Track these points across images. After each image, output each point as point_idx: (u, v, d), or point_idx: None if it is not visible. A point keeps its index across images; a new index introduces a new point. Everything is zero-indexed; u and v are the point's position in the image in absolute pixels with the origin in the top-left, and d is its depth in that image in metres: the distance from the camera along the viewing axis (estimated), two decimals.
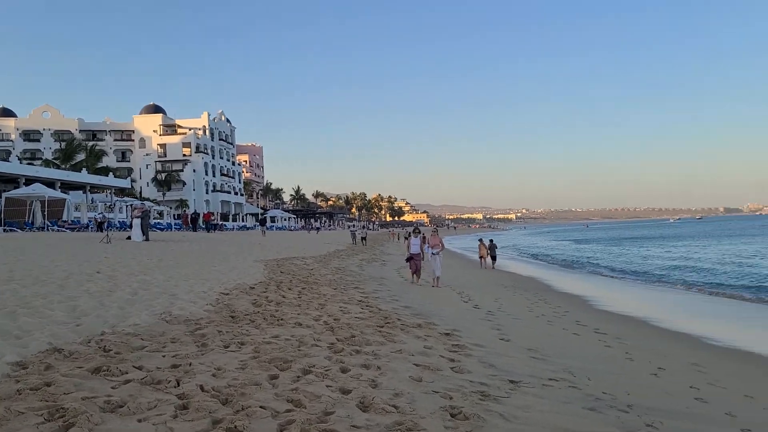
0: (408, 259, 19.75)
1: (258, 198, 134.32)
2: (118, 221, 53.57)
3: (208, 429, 4.41)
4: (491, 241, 35.68)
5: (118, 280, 12.46)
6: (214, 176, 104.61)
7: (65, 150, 68.64)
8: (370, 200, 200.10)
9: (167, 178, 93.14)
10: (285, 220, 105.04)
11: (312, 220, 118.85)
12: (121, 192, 71.80)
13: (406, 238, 22.79)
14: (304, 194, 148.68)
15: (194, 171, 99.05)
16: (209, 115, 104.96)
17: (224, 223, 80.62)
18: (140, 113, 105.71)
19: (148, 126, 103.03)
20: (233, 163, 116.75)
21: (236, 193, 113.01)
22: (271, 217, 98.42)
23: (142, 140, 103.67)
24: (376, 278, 20.38)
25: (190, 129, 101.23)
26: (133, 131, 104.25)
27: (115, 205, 61.46)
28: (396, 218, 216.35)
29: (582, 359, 8.82)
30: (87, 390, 5.09)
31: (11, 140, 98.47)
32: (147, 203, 58.34)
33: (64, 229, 43.40)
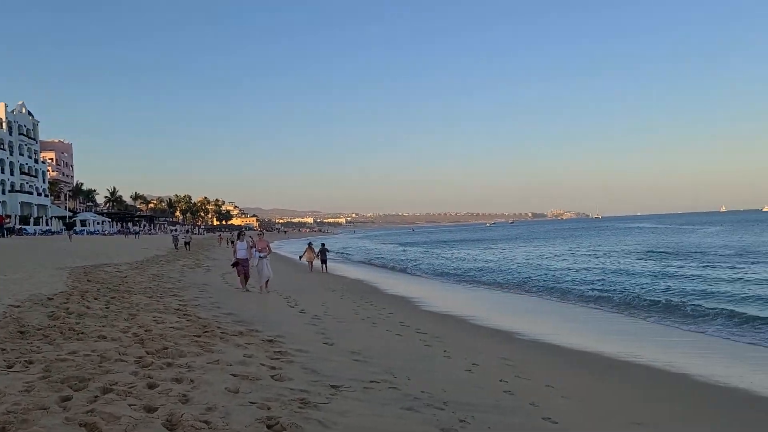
0: (234, 265, 18.92)
1: (67, 200, 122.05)
2: None
3: None
4: (323, 245, 35.78)
5: None
6: (12, 175, 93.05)
7: None
8: (195, 203, 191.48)
9: None
10: (98, 223, 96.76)
11: (130, 224, 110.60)
12: None
13: (232, 243, 21.84)
14: (120, 196, 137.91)
15: None
16: (6, 106, 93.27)
17: (24, 227, 71.93)
18: None
19: None
20: (36, 161, 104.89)
21: (40, 194, 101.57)
22: (81, 220, 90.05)
23: None
24: (198, 285, 19.35)
25: None
26: None
27: None
28: (224, 222, 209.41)
29: (403, 359, 8.99)
30: None
31: None
32: None
33: None
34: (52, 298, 12.31)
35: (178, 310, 12.20)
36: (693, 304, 17.96)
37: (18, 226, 68.05)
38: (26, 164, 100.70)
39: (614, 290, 22.31)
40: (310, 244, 36.64)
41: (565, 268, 33.82)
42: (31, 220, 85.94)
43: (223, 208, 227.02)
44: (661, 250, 45.71)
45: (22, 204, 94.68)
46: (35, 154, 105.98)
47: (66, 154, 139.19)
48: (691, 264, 32.28)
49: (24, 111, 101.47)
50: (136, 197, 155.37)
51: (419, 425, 5.56)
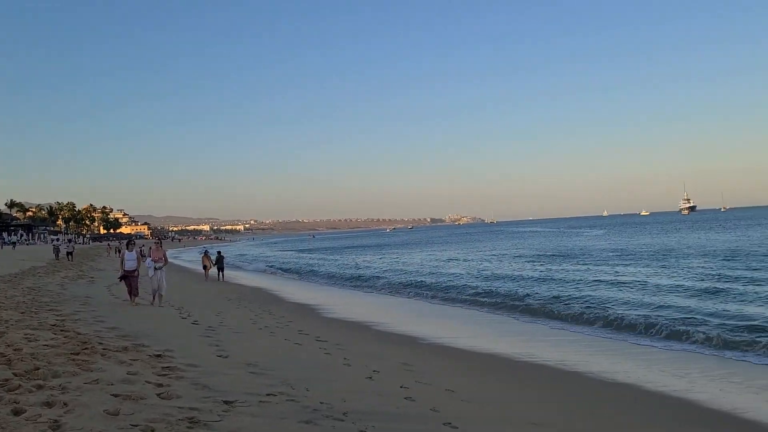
0: (122, 278, 17.51)
1: None
2: None
3: None
4: (219, 252, 34.71)
5: None
6: None
7: None
8: (80, 211, 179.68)
9: None
10: None
11: (5, 234, 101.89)
12: None
13: (118, 252, 20.15)
14: None
15: None
16: None
17: None
18: None
19: None
20: None
21: None
22: None
23: None
24: (81, 298, 17.97)
25: None
26: None
27: None
28: (112, 231, 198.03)
29: (302, 369, 8.69)
30: None
31: None
32: None
33: None
34: None
35: (54, 325, 11.18)
36: (580, 306, 18.89)
37: None
38: None
39: (505, 293, 23.06)
40: (206, 252, 35.44)
41: (457, 272, 34.71)
42: None
43: (111, 215, 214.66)
44: (551, 253, 48.08)
45: None
46: None
47: None
48: (577, 265, 34.14)
49: None
50: (12, 205, 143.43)
51: None
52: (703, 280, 23.46)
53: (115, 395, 6.15)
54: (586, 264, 34.96)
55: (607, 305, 18.40)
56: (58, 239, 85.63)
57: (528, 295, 21.80)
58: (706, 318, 15.23)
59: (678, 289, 21.42)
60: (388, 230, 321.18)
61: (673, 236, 64.43)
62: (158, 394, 6.40)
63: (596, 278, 26.55)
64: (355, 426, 5.76)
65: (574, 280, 26.19)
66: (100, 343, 9.39)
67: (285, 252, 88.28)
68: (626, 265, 32.75)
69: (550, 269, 32.89)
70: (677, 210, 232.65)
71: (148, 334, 11.06)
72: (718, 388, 9.38)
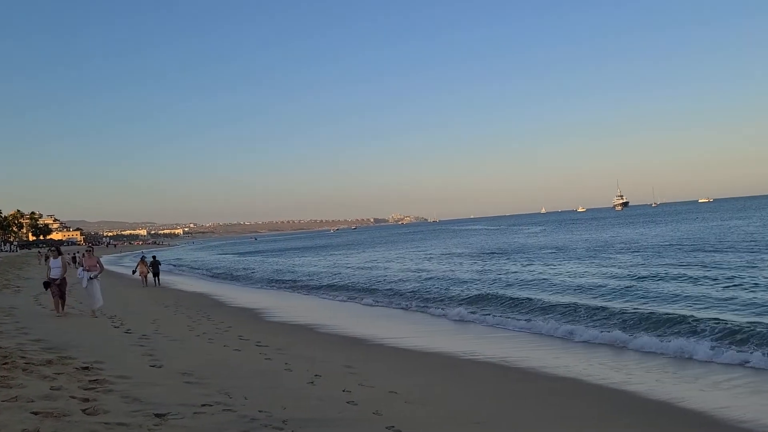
0: (46, 285, 16.54)
1: None
2: None
3: None
4: (154, 257, 33.69)
5: None
6: None
7: None
8: (6, 217, 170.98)
9: None
10: None
11: None
12: None
13: (47, 260, 18.86)
14: None
15: None
16: None
17: None
18: None
19: None
20: None
21: None
22: None
23: None
24: (4, 309, 16.92)
25: None
26: None
27: None
28: (42, 237, 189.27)
29: (240, 377, 8.38)
30: None
31: None
32: None
33: None
34: None
35: None
36: (522, 302, 19.18)
37: None
38: None
39: (437, 294, 23.21)
40: (142, 258, 34.31)
41: (395, 272, 34.79)
42: None
43: (40, 221, 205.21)
44: (491, 251, 48.81)
45: None
46: None
47: None
48: (515, 262, 34.77)
49: None
50: None
51: None
52: (627, 275, 24.26)
53: (36, 413, 5.72)
54: (525, 261, 35.62)
55: (543, 302, 18.74)
56: None
57: (459, 294, 21.99)
58: (629, 311, 15.70)
59: (602, 283, 22.07)
60: (331, 231, 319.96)
61: (607, 232, 66.66)
62: (83, 410, 6.00)
63: (533, 275, 27.07)
64: None
65: (516, 278, 26.61)
66: (22, 357, 8.79)
67: (225, 255, 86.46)
68: (561, 261, 33.55)
69: (487, 266, 33.32)
70: (611, 206, 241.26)
71: (75, 345, 10.47)
72: (654, 378, 9.63)
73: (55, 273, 15.92)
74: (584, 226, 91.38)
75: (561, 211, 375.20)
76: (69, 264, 17.31)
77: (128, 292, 27.92)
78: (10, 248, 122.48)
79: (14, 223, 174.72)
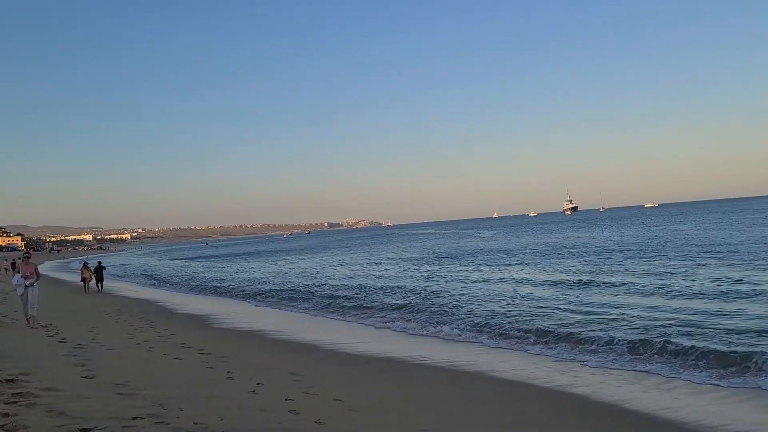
0: None
1: None
2: None
3: None
4: (99, 263, 32.62)
5: None
6: None
7: None
8: None
9: None
10: None
11: None
12: None
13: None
14: None
15: None
16: None
17: None
18: None
19: None
20: None
21: None
22: None
23: None
24: None
25: None
26: None
27: None
28: None
29: (178, 386, 8.01)
30: None
31: None
32: None
33: None
34: None
35: None
36: (467, 308, 19.25)
37: None
38: None
39: (388, 299, 23.14)
40: (84, 263, 33.18)
41: (345, 277, 34.60)
42: None
43: None
44: (441, 255, 49.07)
45: None
46: None
47: None
48: (464, 266, 35.02)
49: None
50: None
51: None
52: (572, 277, 24.71)
53: None
54: (473, 264, 35.92)
55: (494, 307, 18.84)
56: None
57: (408, 302, 21.95)
58: (579, 315, 15.93)
59: (549, 285, 22.41)
60: (285, 236, 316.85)
61: (556, 236, 68.00)
62: (1, 426, 5.58)
63: (484, 278, 27.29)
64: None
65: (466, 280, 26.76)
66: None
67: (174, 261, 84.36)
68: (509, 264, 33.94)
69: (435, 271, 33.44)
70: (561, 210, 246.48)
71: (3, 355, 9.87)
72: (599, 381, 9.71)
73: None
74: (534, 230, 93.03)
75: (513, 216, 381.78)
76: (8, 270, 16.44)
77: (69, 299, 26.83)
78: None
79: None
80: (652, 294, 18.56)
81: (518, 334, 14.02)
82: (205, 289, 34.59)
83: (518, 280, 25.58)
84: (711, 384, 9.23)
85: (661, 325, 13.45)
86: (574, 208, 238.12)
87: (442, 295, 22.23)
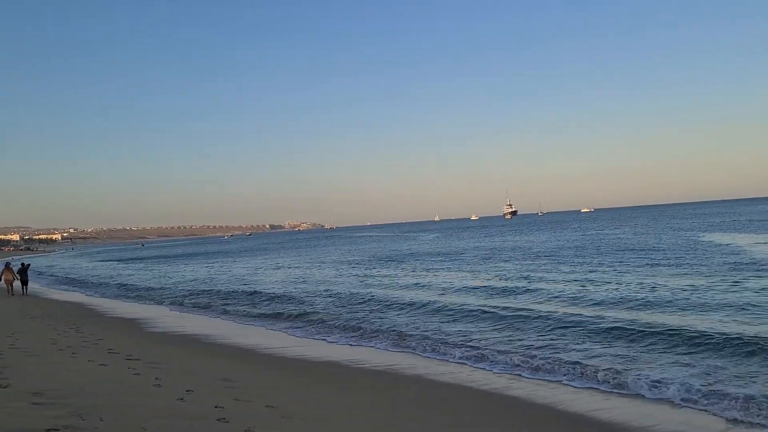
0: None
1: None
2: None
3: None
4: (22, 264, 31.06)
5: None
6: None
7: None
8: None
9: None
10: None
11: None
12: None
13: None
14: None
15: None
16: None
17: None
18: None
19: None
20: None
21: None
22: None
23: None
24: None
25: None
26: None
27: None
28: None
29: (101, 395, 7.59)
30: None
31: None
32: None
33: None
34: None
35: None
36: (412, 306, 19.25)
37: None
38: None
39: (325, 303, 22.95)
40: (7, 265, 31.53)
41: (282, 278, 34.18)
42: None
43: None
44: (383, 257, 49.11)
45: None
46: None
47: None
48: (404, 269, 35.15)
49: None
50: None
51: None
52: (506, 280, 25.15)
53: None
54: (413, 268, 36.09)
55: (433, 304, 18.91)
56: None
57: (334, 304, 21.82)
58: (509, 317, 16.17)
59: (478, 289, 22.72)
60: (225, 237, 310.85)
61: (497, 239, 69.27)
62: None
63: (418, 283, 27.43)
64: None
65: (400, 285, 26.81)
66: None
67: (106, 262, 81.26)
68: (450, 269, 34.29)
69: (376, 273, 33.44)
70: (502, 214, 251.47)
71: None
72: (534, 384, 9.82)
73: None
74: (476, 234, 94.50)
75: (455, 219, 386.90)
76: None
77: None
78: None
79: None
80: (574, 298, 18.81)
81: (451, 340, 14.07)
82: (137, 290, 33.36)
83: (447, 284, 25.76)
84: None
85: (561, 329, 13.83)
86: (514, 213, 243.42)
87: (374, 300, 22.14)
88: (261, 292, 27.10)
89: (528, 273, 27.24)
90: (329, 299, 22.98)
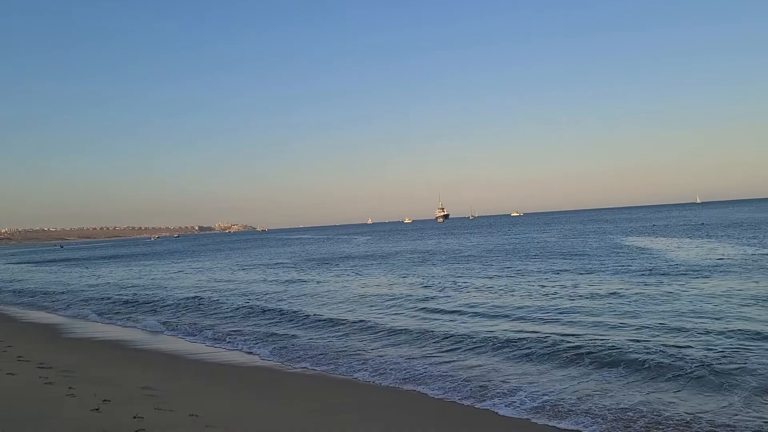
0: None
1: None
2: None
3: None
4: None
5: None
6: None
7: None
8: None
9: None
10: None
11: None
12: None
13: None
14: None
15: None
16: None
17: None
18: None
19: None
20: None
21: None
22: None
23: None
24: None
25: None
26: None
27: None
28: None
29: (8, 407, 7.00)
30: None
31: None
32: None
33: None
34: None
35: None
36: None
37: None
38: None
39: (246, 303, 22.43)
40: None
41: (208, 280, 33.28)
42: None
43: None
44: (315, 260, 48.63)
45: None
46: None
47: None
48: (337, 273, 34.90)
49: None
50: None
51: None
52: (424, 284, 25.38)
53: None
54: (340, 271, 35.90)
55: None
56: None
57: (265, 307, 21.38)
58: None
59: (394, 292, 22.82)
60: (151, 239, 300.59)
61: (428, 242, 70.05)
62: None
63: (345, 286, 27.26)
64: None
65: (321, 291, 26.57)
66: None
67: (19, 264, 76.71)
68: (371, 272, 34.32)
69: (305, 276, 33.05)
70: (434, 218, 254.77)
71: None
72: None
73: None
74: (408, 237, 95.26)
75: (388, 222, 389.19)
76: None
77: None
78: None
79: None
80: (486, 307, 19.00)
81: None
82: (33, 295, 31.38)
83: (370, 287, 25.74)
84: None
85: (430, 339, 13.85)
86: (446, 216, 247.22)
87: (301, 303, 21.79)
88: (178, 297, 25.92)
89: (452, 278, 27.54)
90: (244, 307, 22.27)
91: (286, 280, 31.06)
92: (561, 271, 26.84)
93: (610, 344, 11.41)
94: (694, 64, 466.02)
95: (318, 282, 29.32)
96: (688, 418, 7.33)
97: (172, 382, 9.60)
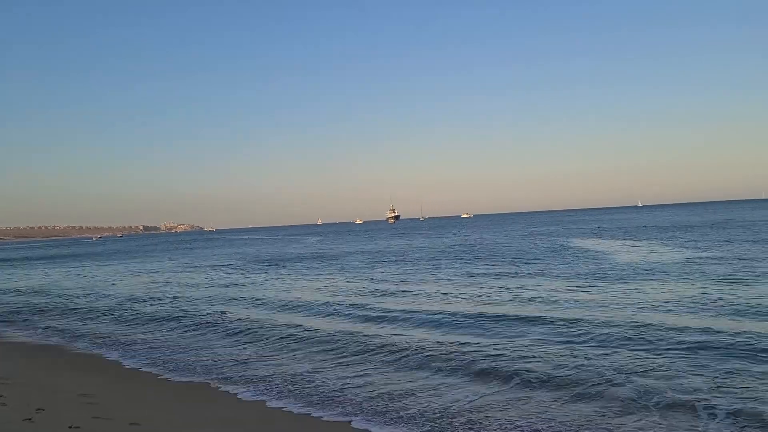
0: None
1: None
2: None
3: None
4: None
5: None
6: None
7: None
8: None
9: None
10: None
11: None
12: None
13: None
14: None
15: None
16: None
17: None
18: None
19: None
20: None
21: None
22: None
23: None
24: None
25: None
26: None
27: None
28: None
29: None
30: None
31: None
32: None
33: None
34: None
35: None
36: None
37: None
38: None
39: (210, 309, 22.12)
40: None
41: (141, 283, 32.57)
42: None
43: None
44: (264, 260, 48.11)
45: None
46: None
47: None
48: (279, 274, 34.63)
49: None
50: None
51: None
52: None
53: None
54: (289, 274, 35.67)
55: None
56: None
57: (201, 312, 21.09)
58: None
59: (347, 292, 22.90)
60: (93, 239, 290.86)
61: (380, 243, 70.29)
62: None
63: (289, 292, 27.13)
64: None
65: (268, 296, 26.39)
66: None
67: None
68: (343, 273, 34.27)
69: (246, 278, 32.71)
70: (385, 219, 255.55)
71: None
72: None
73: None
74: (359, 238, 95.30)
75: (339, 223, 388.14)
76: None
77: None
78: None
79: None
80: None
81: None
82: None
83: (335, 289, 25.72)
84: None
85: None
86: (397, 217, 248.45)
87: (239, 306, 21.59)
88: (120, 300, 25.24)
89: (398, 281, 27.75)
90: (201, 305, 22.01)
91: (229, 283, 30.47)
92: (501, 274, 27.27)
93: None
94: (694, 64, 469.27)
95: (254, 284, 28.89)
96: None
97: (115, 389, 9.33)
